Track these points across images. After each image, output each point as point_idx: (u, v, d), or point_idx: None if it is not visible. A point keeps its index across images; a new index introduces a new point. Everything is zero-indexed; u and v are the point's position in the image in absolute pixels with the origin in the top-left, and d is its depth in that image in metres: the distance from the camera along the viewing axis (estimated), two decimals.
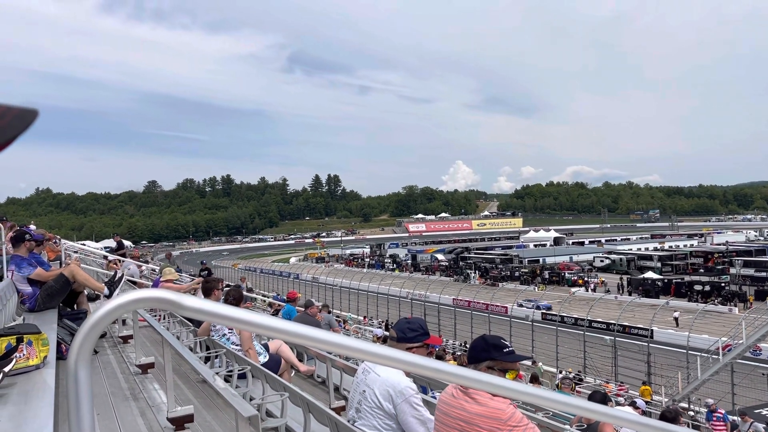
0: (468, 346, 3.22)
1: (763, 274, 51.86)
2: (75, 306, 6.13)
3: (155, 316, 6.84)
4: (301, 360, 7.07)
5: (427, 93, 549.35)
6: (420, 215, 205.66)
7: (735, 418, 18.38)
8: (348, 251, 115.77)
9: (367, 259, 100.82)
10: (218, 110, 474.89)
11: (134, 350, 5.88)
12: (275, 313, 12.29)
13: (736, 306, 44.07)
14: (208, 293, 7.13)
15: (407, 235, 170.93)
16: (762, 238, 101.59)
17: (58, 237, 13.84)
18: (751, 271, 55.33)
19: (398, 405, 3.00)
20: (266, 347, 6.27)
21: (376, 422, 3.02)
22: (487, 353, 2.67)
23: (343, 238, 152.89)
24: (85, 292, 6.27)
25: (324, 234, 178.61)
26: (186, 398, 4.69)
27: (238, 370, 4.78)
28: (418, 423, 2.97)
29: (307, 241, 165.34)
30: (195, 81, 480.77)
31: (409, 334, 3.19)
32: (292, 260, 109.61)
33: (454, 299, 44.30)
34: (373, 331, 23.86)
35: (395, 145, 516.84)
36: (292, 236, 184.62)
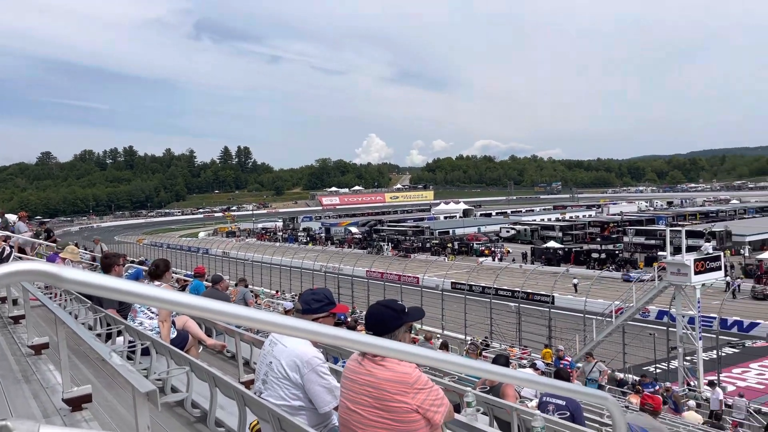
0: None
1: (652, 241, 55.78)
2: None
3: (48, 294, 6.46)
4: (210, 336, 6.93)
5: (341, 65, 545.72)
6: (334, 188, 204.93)
7: (580, 364, 19.69)
8: (260, 225, 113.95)
9: (280, 233, 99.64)
10: (119, 78, 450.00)
11: (26, 330, 5.54)
12: (182, 289, 11.93)
13: (628, 272, 47.26)
14: (107, 269, 6.79)
15: (321, 208, 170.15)
16: (652, 209, 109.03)
17: None
18: (641, 239, 59.38)
19: (305, 375, 3.00)
20: (173, 323, 6.08)
21: (283, 392, 3.02)
22: (400, 320, 2.73)
23: (254, 212, 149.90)
24: None
25: (234, 208, 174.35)
26: (84, 378, 4.48)
27: (141, 346, 4.62)
28: (325, 391, 3.00)
29: (216, 215, 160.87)
30: (93, 46, 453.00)
31: (314, 305, 3.18)
32: (201, 235, 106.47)
33: (367, 271, 44.77)
34: (283, 305, 23.73)
35: (308, 117, 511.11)
36: (201, 210, 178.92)
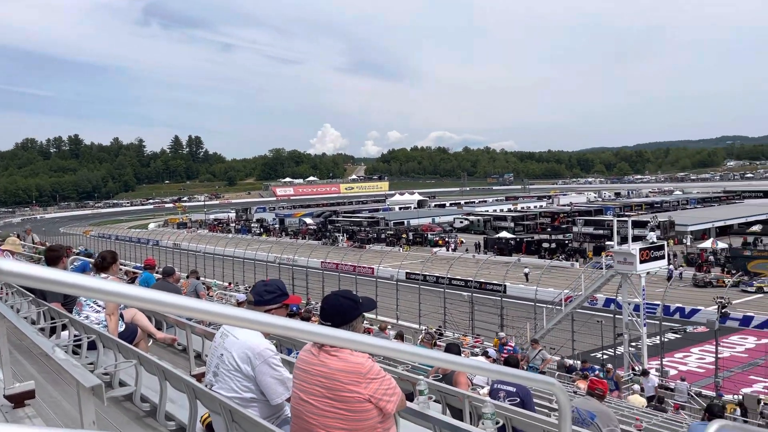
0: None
1: (601, 231, 57.40)
2: None
3: None
4: (160, 329, 6.80)
5: (295, 54, 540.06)
6: (288, 179, 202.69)
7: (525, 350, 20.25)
8: (212, 216, 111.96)
9: (233, 224, 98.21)
10: (63, 64, 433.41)
11: None
12: (132, 281, 11.65)
13: (577, 261, 48.53)
14: (54, 262, 6.57)
15: (275, 199, 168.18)
16: (600, 200, 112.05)
17: None
18: (590, 229, 61.03)
19: (257, 366, 2.99)
20: (121, 316, 5.94)
21: (234, 385, 3.00)
22: (358, 310, 2.78)
23: (206, 203, 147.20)
24: None
25: (186, 198, 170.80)
26: (27, 373, 4.34)
27: (87, 340, 4.50)
28: (278, 383, 2.99)
29: (167, 205, 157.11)
30: (36, 30, 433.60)
31: (267, 296, 3.17)
32: (151, 226, 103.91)
33: (322, 262, 44.64)
34: (236, 296, 23.48)
35: (261, 107, 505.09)
36: (151, 201, 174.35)
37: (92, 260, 9.65)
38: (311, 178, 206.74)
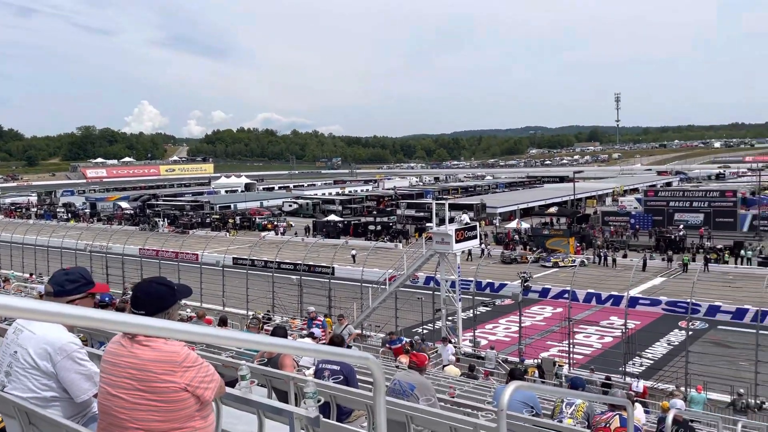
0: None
1: (422, 214, 60.70)
2: None
3: None
4: None
5: (106, 24, 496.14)
6: (100, 159, 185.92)
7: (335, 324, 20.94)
8: (8, 200, 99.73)
9: (35, 209, 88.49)
10: None
11: None
12: None
13: (401, 242, 50.98)
14: None
15: (85, 181, 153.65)
16: (421, 184, 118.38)
17: None
18: (412, 212, 64.34)
19: (58, 363, 2.74)
20: None
21: (32, 384, 2.73)
22: (174, 297, 2.67)
23: (1, 185, 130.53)
24: None
25: None
26: None
27: None
28: (83, 378, 2.78)
29: None
30: None
31: (68, 286, 2.90)
32: None
33: (140, 249, 41.97)
34: (38, 288, 21.22)
35: (67, 79, 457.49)
36: None
37: None
38: (127, 159, 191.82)
